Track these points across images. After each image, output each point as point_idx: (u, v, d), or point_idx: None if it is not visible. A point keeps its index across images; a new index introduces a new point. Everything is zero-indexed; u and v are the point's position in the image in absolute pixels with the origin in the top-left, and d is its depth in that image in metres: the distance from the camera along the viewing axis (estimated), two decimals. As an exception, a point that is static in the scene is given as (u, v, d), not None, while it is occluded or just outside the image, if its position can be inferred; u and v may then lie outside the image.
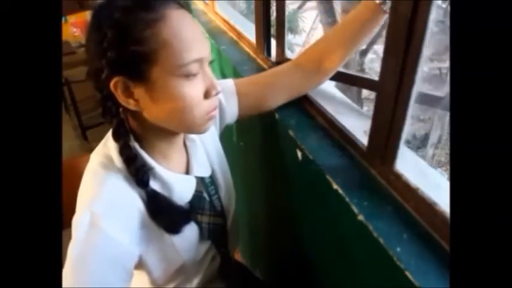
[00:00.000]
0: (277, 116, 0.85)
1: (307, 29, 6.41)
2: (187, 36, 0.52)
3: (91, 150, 0.62)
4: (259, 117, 0.98)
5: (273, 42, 1.02)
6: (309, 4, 5.69)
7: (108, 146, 0.59)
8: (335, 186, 0.63)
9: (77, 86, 2.28)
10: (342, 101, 0.83)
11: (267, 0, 0.96)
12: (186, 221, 0.64)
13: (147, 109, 0.55)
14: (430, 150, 4.95)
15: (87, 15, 3.44)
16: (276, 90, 0.79)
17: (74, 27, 3.49)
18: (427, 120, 5.55)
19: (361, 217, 0.57)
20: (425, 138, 5.22)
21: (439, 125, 5.00)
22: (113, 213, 0.54)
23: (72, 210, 0.55)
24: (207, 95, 0.56)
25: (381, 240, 0.52)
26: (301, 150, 0.74)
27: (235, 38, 1.26)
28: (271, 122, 0.88)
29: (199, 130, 0.59)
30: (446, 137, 4.83)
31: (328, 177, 0.65)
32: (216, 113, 0.62)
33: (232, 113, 0.77)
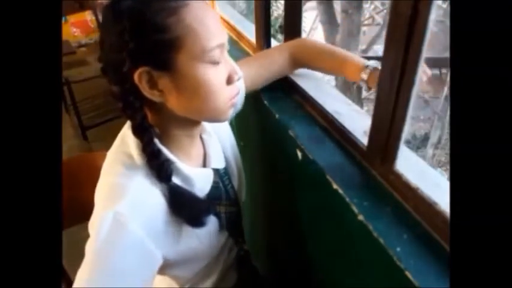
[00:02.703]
0: (277, 116, 0.85)
1: (307, 29, 6.40)
2: (209, 22, 0.52)
3: (91, 150, 0.62)
4: (259, 117, 0.98)
5: (273, 42, 1.02)
6: (309, 4, 5.69)
7: (126, 144, 0.58)
8: (335, 186, 0.63)
9: (77, 86, 2.28)
10: (342, 101, 0.83)
11: (267, 0, 0.96)
12: (208, 213, 0.64)
13: (171, 99, 0.54)
14: (430, 150, 4.95)
15: (87, 15, 3.44)
16: (267, 72, 0.85)
17: (74, 27, 3.49)
18: (427, 120, 5.56)
19: (361, 217, 0.57)
20: (425, 138, 5.22)
21: (439, 125, 5.00)
22: (136, 213, 0.53)
23: (72, 210, 0.55)
24: (229, 81, 0.57)
25: (381, 240, 0.52)
26: (301, 150, 0.74)
27: (235, 38, 1.26)
28: (271, 122, 0.88)
29: (222, 117, 0.60)
30: (446, 137, 4.83)
31: (328, 177, 0.65)
32: (237, 99, 0.62)
33: (241, 96, 0.79)
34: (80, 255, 0.53)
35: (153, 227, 0.56)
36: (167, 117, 0.57)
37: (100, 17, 2.98)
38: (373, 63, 0.74)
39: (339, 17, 4.10)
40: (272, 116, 0.86)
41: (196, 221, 0.61)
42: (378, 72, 0.67)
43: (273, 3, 4.12)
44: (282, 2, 0.97)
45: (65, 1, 2.18)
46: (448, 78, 4.89)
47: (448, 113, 4.51)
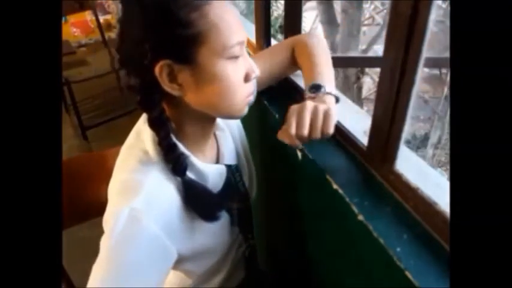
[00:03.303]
0: (277, 116, 0.85)
1: (307, 29, 6.40)
2: (231, 19, 0.53)
3: (91, 150, 0.63)
4: (259, 117, 0.98)
5: (273, 42, 1.02)
6: (309, 4, 5.69)
7: (141, 140, 0.59)
8: (335, 186, 0.63)
9: (77, 86, 2.28)
10: (342, 101, 0.83)
11: (267, 0, 0.96)
12: (221, 208, 0.64)
13: (189, 93, 0.55)
14: (430, 150, 4.95)
15: (87, 15, 3.45)
16: (270, 71, 0.81)
17: (74, 27, 3.49)
18: (427, 120, 5.56)
19: (361, 217, 0.57)
20: (425, 138, 5.22)
21: (439, 125, 5.00)
22: (152, 209, 0.54)
23: (72, 210, 0.55)
24: (246, 78, 0.58)
25: (381, 240, 0.52)
26: (301, 150, 0.74)
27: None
28: (271, 122, 0.88)
29: (237, 114, 0.60)
30: (446, 137, 4.83)
31: (328, 177, 0.65)
32: (252, 97, 0.62)
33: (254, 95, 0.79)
34: (80, 255, 0.53)
35: (168, 223, 0.56)
36: (184, 112, 0.58)
37: (100, 17, 2.98)
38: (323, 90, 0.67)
39: (339, 17, 4.10)
40: (272, 116, 0.86)
41: (210, 216, 0.62)
42: (319, 95, 0.65)
43: (273, 3, 4.11)
44: (282, 2, 0.97)
45: (65, 1, 2.18)
46: (448, 78, 4.89)
47: (448, 113, 4.52)
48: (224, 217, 0.68)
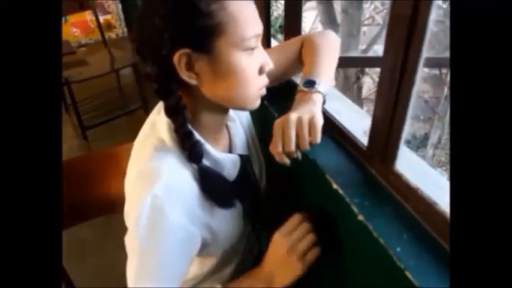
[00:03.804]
0: (277, 115, 0.85)
1: (307, 29, 6.41)
2: (249, 12, 0.55)
3: (91, 150, 0.63)
4: (259, 117, 0.98)
5: (273, 42, 1.02)
6: (309, 4, 5.68)
7: (156, 129, 0.60)
8: (335, 186, 0.63)
9: (77, 86, 2.28)
10: (342, 101, 0.83)
11: (267, 0, 0.96)
12: (236, 196, 0.66)
13: (205, 83, 0.56)
14: (430, 150, 4.95)
15: (87, 15, 3.44)
16: (281, 66, 0.79)
17: (74, 27, 3.49)
18: (427, 120, 5.56)
19: (361, 217, 0.57)
20: (425, 138, 5.22)
21: (439, 125, 4.99)
22: (173, 194, 0.55)
23: (71, 210, 0.55)
24: (261, 71, 0.59)
25: (381, 240, 0.52)
26: (301, 151, 0.74)
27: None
28: (271, 122, 0.87)
29: (250, 106, 0.62)
30: (446, 137, 4.82)
31: (328, 177, 0.65)
32: (265, 90, 0.63)
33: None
34: (80, 255, 0.53)
35: (190, 208, 0.58)
36: (199, 102, 0.59)
37: (100, 17, 2.97)
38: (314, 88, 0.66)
39: (339, 17, 4.10)
40: (272, 116, 0.86)
41: (226, 203, 0.63)
42: (303, 94, 0.65)
43: (273, 3, 4.12)
44: (282, 2, 0.97)
45: (65, 1, 2.17)
46: (448, 78, 4.89)
47: (448, 113, 4.52)
48: (237, 206, 0.69)
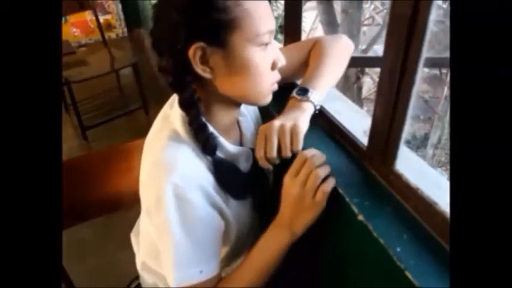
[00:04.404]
0: (276, 115, 0.84)
1: (307, 29, 6.40)
2: (263, 8, 0.56)
3: (91, 150, 0.63)
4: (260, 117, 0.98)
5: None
6: (309, 4, 5.68)
7: (170, 121, 0.61)
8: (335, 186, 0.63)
9: (77, 86, 2.28)
10: (342, 101, 0.83)
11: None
12: (249, 188, 0.68)
13: (219, 77, 0.57)
14: (430, 150, 4.95)
15: (87, 15, 3.45)
16: (292, 65, 0.78)
17: (74, 27, 3.49)
18: (427, 120, 5.56)
19: (361, 217, 0.57)
20: (425, 138, 5.22)
21: (439, 125, 4.99)
22: (193, 183, 0.57)
23: (71, 210, 0.55)
24: (273, 67, 0.60)
25: (381, 240, 0.52)
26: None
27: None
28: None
29: (262, 101, 0.63)
30: (446, 137, 4.82)
31: (328, 177, 0.65)
32: (276, 86, 0.64)
33: None
34: (80, 255, 0.53)
35: (208, 195, 0.59)
36: (212, 95, 0.60)
37: (100, 17, 2.97)
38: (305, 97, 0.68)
39: (339, 17, 4.10)
40: (272, 116, 0.86)
41: (240, 194, 0.65)
42: (295, 101, 0.67)
43: (273, 3, 4.11)
44: (282, 2, 0.97)
45: (65, 1, 2.17)
46: (448, 78, 4.89)
47: (448, 113, 4.52)
48: (248, 198, 0.71)
